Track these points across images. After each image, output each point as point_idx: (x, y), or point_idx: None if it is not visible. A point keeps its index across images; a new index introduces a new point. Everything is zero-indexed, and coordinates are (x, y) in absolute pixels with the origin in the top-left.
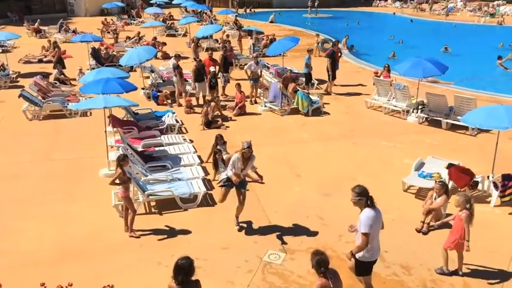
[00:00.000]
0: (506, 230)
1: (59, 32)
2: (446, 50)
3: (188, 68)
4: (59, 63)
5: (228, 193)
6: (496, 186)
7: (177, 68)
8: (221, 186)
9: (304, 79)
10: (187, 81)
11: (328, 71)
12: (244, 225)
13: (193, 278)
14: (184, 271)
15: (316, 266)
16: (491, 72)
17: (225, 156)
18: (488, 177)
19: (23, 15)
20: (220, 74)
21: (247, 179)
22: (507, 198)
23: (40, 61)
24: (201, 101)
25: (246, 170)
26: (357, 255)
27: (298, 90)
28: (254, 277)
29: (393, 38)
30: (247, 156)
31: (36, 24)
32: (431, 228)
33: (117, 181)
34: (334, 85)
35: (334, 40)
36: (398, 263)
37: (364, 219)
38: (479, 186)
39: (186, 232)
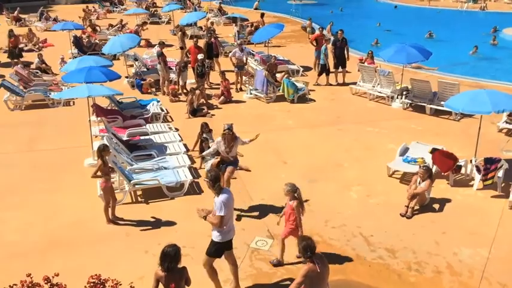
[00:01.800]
0: (489, 213)
1: (40, 20)
2: (431, 36)
3: (172, 55)
4: (16, 53)
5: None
6: (478, 169)
7: (161, 56)
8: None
9: (291, 67)
10: (171, 69)
11: (341, 60)
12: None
13: (180, 265)
14: (170, 258)
15: (303, 251)
16: (474, 58)
17: (211, 144)
18: (471, 161)
19: (2, 3)
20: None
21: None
22: (489, 182)
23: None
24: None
25: (233, 152)
26: (212, 236)
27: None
28: (242, 263)
29: (379, 26)
30: (229, 138)
31: (16, 12)
32: (416, 212)
33: (99, 173)
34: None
35: (319, 27)
36: (384, 246)
37: (218, 204)
38: (463, 170)
39: (172, 220)
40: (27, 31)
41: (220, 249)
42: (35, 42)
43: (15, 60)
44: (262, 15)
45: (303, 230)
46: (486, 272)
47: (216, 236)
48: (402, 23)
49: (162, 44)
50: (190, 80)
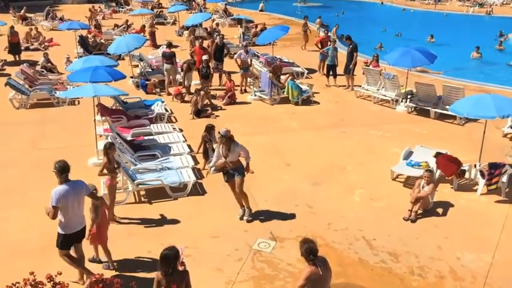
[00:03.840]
0: (493, 218)
1: (46, 19)
2: (432, 40)
3: (178, 56)
4: (13, 49)
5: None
6: (482, 174)
7: (174, 56)
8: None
9: (295, 69)
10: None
11: (350, 65)
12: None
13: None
14: (169, 261)
15: (306, 254)
16: (479, 62)
17: (215, 146)
18: (475, 165)
19: (9, 1)
20: (214, 63)
21: None
22: (493, 187)
23: (27, 49)
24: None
25: (231, 158)
26: (58, 229)
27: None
28: (244, 265)
29: (384, 31)
30: (222, 142)
31: (22, 11)
32: (419, 216)
33: (105, 171)
34: (324, 74)
35: (324, 29)
36: (386, 250)
37: (53, 194)
38: (467, 175)
39: (175, 221)
40: (28, 30)
41: (66, 241)
42: (40, 41)
43: (17, 59)
44: (306, 17)
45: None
46: (489, 278)
47: (59, 228)
48: (407, 27)
49: (171, 45)
50: (195, 81)
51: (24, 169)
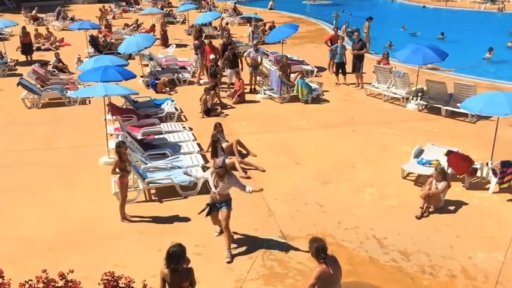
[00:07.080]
0: (505, 217)
1: (57, 19)
2: (442, 37)
3: (188, 55)
4: (25, 50)
5: (213, 215)
6: (495, 173)
7: (199, 48)
8: (206, 215)
9: (305, 67)
10: (186, 68)
11: (357, 63)
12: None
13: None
14: (175, 258)
15: (316, 253)
16: (490, 59)
17: (224, 145)
18: (487, 164)
19: (20, 2)
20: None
21: (247, 166)
22: (506, 185)
23: (38, 49)
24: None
25: (220, 190)
26: None
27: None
28: (254, 263)
29: (405, 29)
30: (220, 174)
31: (34, 11)
32: (432, 211)
33: (117, 170)
34: (333, 73)
35: (333, 27)
36: (397, 249)
37: None
38: (478, 173)
39: (186, 219)
40: (35, 31)
41: None
42: (52, 41)
43: (29, 59)
44: (370, 19)
45: None
46: (501, 277)
47: None
48: (418, 24)
49: (199, 37)
50: (205, 80)
51: (37, 168)
